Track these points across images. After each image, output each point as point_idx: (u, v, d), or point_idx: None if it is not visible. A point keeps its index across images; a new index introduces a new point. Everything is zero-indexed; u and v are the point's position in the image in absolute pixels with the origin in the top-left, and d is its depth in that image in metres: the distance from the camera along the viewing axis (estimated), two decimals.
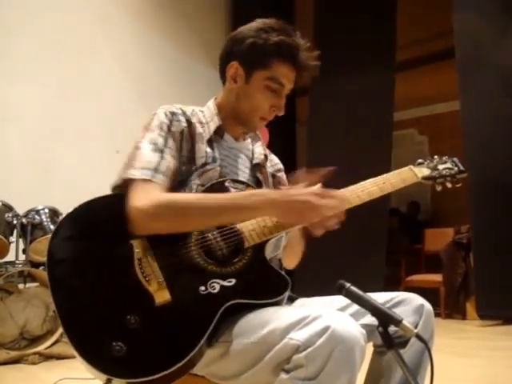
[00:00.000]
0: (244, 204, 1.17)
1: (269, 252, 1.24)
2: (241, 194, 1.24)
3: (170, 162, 1.24)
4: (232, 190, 1.26)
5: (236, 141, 1.41)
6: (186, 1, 5.85)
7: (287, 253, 1.43)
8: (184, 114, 1.32)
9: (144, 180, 1.18)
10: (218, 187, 1.25)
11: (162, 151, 1.23)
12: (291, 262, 1.47)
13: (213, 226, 1.20)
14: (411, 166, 1.42)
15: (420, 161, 1.46)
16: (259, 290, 1.16)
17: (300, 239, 1.44)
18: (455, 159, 1.47)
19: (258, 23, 1.33)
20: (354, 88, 5.12)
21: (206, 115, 1.37)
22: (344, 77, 5.13)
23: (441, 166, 1.44)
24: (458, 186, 1.44)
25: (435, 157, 1.47)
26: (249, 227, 1.21)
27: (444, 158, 1.46)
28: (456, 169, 1.44)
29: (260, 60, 1.30)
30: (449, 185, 1.44)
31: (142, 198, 1.15)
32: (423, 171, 1.42)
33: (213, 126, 1.35)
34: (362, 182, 1.32)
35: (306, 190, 1.19)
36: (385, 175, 1.36)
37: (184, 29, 5.77)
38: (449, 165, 1.45)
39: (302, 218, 1.18)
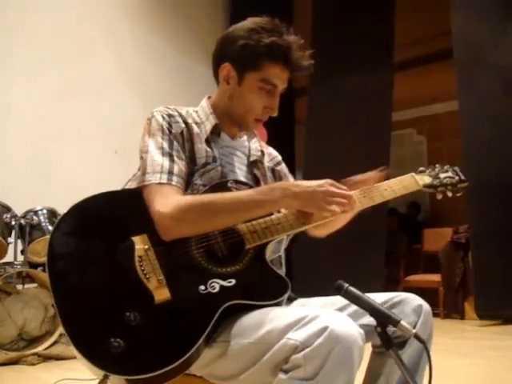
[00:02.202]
0: (266, 199, 1.19)
1: (269, 253, 1.25)
2: (261, 188, 1.24)
3: (180, 163, 1.24)
4: (234, 190, 1.26)
5: (232, 139, 1.42)
6: (185, 1, 5.85)
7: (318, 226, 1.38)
8: (180, 115, 1.33)
9: (161, 184, 1.19)
10: (221, 188, 1.26)
11: (170, 154, 1.24)
12: (319, 233, 1.45)
13: (238, 222, 1.20)
14: (413, 174, 1.43)
15: (421, 169, 1.46)
16: (259, 291, 1.16)
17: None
18: (456, 168, 1.48)
19: (249, 23, 1.33)
20: (353, 88, 5.12)
21: (200, 115, 1.37)
22: (342, 77, 5.13)
23: (442, 175, 1.45)
24: (458, 195, 1.45)
25: (436, 165, 1.48)
26: (250, 228, 1.21)
27: (445, 167, 1.47)
28: (457, 178, 1.45)
29: (252, 62, 1.29)
30: (449, 194, 1.45)
31: (165, 204, 1.16)
32: (425, 179, 1.43)
33: (209, 126, 1.35)
34: (365, 188, 1.32)
35: (323, 181, 1.21)
36: (387, 182, 1.37)
37: (183, 30, 5.77)
38: (450, 174, 1.45)
39: (323, 207, 1.19)
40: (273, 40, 1.28)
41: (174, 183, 1.21)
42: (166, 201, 1.16)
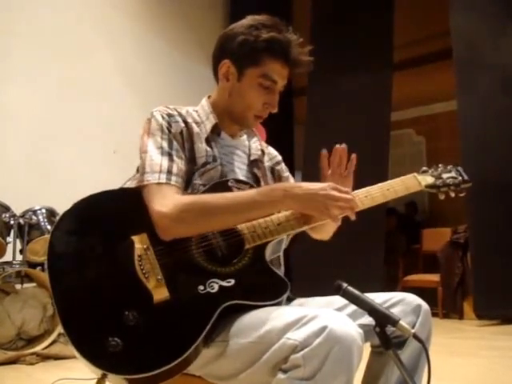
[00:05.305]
0: (267, 199, 1.19)
1: (269, 254, 1.24)
2: (262, 189, 1.24)
3: (179, 163, 1.24)
4: (235, 190, 1.26)
5: (232, 138, 1.41)
6: (184, 1, 5.85)
7: (318, 230, 1.40)
8: (180, 114, 1.32)
9: (160, 184, 1.19)
10: (221, 187, 1.25)
11: (169, 154, 1.24)
12: (321, 236, 1.46)
13: (238, 223, 1.20)
14: (415, 174, 1.41)
15: (424, 169, 1.45)
16: (258, 291, 1.16)
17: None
18: (459, 168, 1.46)
19: (248, 20, 1.32)
20: (352, 88, 5.12)
21: (200, 114, 1.37)
22: (342, 76, 5.13)
23: (445, 175, 1.43)
24: (461, 195, 1.44)
25: (439, 165, 1.46)
26: (250, 228, 1.21)
27: (448, 167, 1.46)
28: (460, 178, 1.43)
29: (251, 57, 1.29)
30: (452, 194, 1.43)
31: (164, 203, 1.15)
32: (427, 179, 1.42)
33: (209, 125, 1.34)
34: (367, 188, 1.32)
35: (325, 184, 1.21)
36: (389, 182, 1.36)
37: (183, 29, 5.77)
38: (453, 174, 1.44)
39: (324, 211, 1.19)
40: (272, 35, 1.28)
41: (172, 183, 1.20)
42: (165, 200, 1.16)
